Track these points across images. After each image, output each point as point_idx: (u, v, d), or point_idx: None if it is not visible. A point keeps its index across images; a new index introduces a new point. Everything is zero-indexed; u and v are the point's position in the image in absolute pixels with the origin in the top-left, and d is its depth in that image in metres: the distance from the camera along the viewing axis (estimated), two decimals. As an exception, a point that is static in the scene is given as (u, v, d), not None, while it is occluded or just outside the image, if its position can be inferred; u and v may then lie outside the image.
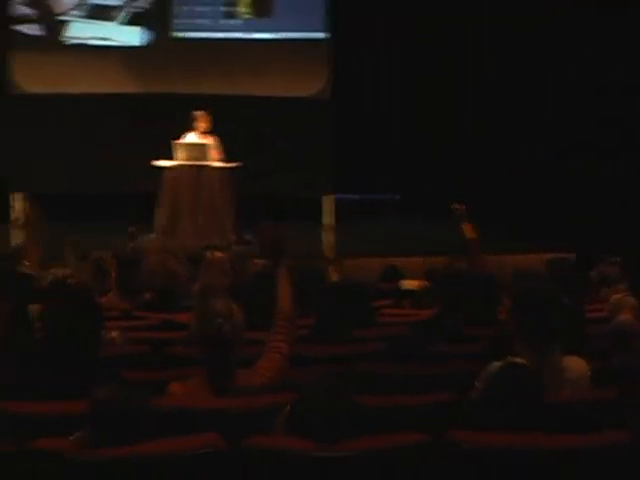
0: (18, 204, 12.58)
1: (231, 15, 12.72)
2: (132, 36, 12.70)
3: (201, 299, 4.54)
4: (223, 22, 12.73)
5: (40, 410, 3.64)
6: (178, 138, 11.16)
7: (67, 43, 12.71)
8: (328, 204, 12.61)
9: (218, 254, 8.02)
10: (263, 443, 3.16)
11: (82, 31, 12.72)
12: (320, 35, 12.63)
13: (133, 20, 12.68)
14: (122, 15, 12.67)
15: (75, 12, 12.71)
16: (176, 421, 3.49)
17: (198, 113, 11.21)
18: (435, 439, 3.20)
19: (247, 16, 12.73)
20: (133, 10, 12.68)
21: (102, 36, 12.70)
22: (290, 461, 3.11)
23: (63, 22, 12.71)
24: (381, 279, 8.55)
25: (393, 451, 3.17)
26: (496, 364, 3.50)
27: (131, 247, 8.93)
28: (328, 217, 12.55)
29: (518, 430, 3.20)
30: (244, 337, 4.04)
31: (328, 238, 12.08)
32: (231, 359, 3.93)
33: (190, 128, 11.25)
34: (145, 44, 12.72)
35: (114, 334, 5.24)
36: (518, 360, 3.55)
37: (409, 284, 8.13)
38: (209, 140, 11.21)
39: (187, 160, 11.04)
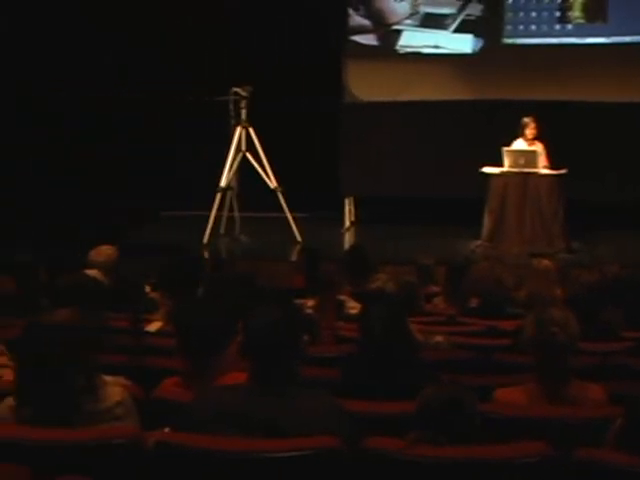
0: (349, 207, 13.04)
1: (565, 20, 12.51)
2: (464, 43, 12.78)
3: (534, 307, 4.50)
4: (556, 27, 12.55)
5: (371, 409, 3.76)
6: (507, 144, 11.15)
7: (400, 52, 12.99)
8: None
9: (545, 262, 7.91)
10: (593, 455, 3.10)
11: (415, 40, 12.95)
12: (658, 38, 12.18)
13: (465, 28, 12.76)
14: (454, 23, 12.78)
15: (408, 21, 12.96)
16: (504, 427, 3.49)
17: (527, 119, 11.15)
18: None
19: (580, 21, 12.47)
20: (465, 18, 12.76)
21: (434, 44, 12.87)
22: (620, 477, 3.03)
23: (397, 31, 13.00)
24: None
25: None
26: None
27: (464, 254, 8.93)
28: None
29: None
30: (578, 347, 3.99)
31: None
32: (565, 368, 3.88)
33: (519, 134, 11.21)
34: (476, 51, 12.77)
35: (439, 338, 5.31)
36: None
37: None
38: (537, 146, 11.13)
39: (515, 167, 11.01)
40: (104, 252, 7.08)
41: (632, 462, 3.02)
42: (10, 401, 3.45)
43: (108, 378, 3.66)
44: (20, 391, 3.43)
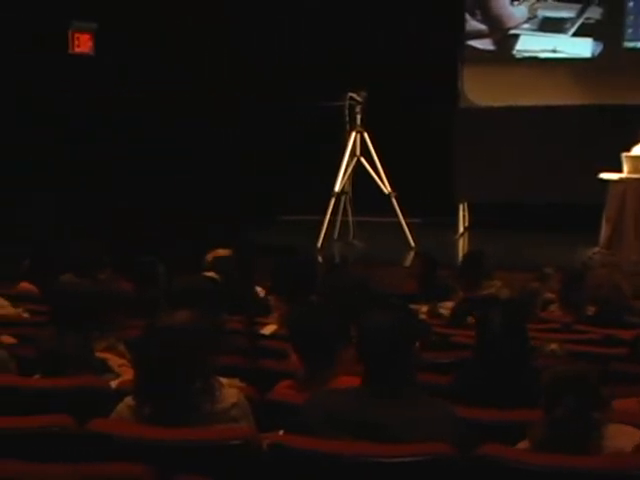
0: (463, 213, 12.98)
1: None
2: (583, 47, 12.61)
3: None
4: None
5: (485, 416, 3.74)
6: (627, 150, 10.95)
7: (518, 57, 12.87)
8: None
9: (667, 271, 7.76)
10: None
11: (532, 44, 12.83)
12: None
13: (584, 31, 12.58)
14: (574, 27, 12.61)
15: (526, 25, 12.84)
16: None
17: (646, 125, 10.96)
18: None
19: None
20: (584, 21, 12.58)
21: (552, 48, 12.73)
22: None
23: (514, 36, 12.89)
24: None
25: None
26: None
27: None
28: None
29: None
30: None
31: None
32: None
33: (638, 140, 11.00)
34: (596, 55, 12.57)
35: (553, 346, 5.24)
36: None
37: None
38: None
39: (635, 173, 10.80)
40: (221, 255, 7.19)
41: None
42: (130, 401, 3.53)
43: (224, 380, 3.71)
44: (139, 391, 3.51)
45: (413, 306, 6.34)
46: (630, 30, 12.45)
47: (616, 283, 6.61)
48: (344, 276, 7.67)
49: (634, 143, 11.02)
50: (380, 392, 3.35)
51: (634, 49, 12.45)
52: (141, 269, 6.85)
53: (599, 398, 3.27)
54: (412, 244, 11.47)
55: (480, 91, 12.87)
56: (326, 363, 3.92)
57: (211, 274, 6.81)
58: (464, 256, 9.03)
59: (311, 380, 3.89)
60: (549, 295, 8.02)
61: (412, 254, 9.20)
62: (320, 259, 10.76)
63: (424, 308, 6.86)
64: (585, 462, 3.14)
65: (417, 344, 3.54)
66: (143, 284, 6.66)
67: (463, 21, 12.92)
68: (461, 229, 12.92)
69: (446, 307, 6.93)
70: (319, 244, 11.60)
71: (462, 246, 12.14)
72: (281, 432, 3.52)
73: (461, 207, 12.95)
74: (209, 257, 7.21)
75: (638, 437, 3.31)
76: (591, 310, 6.79)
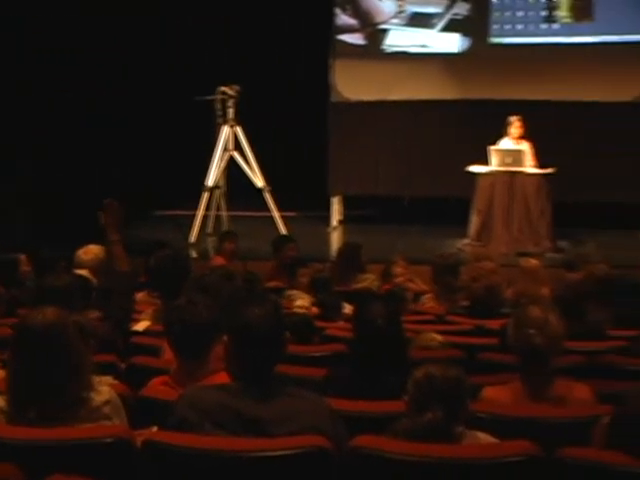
0: (337, 207, 13.04)
1: (551, 19, 12.54)
2: (451, 43, 12.80)
3: (516, 307, 4.51)
4: (543, 27, 12.57)
5: (357, 408, 3.76)
6: (494, 143, 11.17)
7: (387, 51, 12.99)
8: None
9: (533, 261, 7.94)
10: (580, 454, 3.11)
11: (401, 39, 12.96)
12: (641, 38, 12.21)
13: (452, 27, 12.78)
14: (441, 22, 12.80)
15: (395, 20, 12.97)
16: (489, 425, 3.50)
17: (513, 118, 11.19)
18: None
19: (567, 20, 12.50)
20: (452, 17, 12.78)
21: (421, 43, 12.89)
22: (608, 475, 3.04)
23: (383, 31, 13.01)
24: None
25: None
26: None
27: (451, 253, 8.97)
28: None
29: None
30: (562, 347, 4.00)
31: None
32: (548, 368, 3.89)
33: (505, 133, 11.23)
34: (463, 51, 12.78)
35: (437, 337, 5.32)
36: None
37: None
38: (524, 145, 11.15)
39: (502, 166, 11.04)
40: (92, 251, 7.05)
41: (619, 461, 3.03)
42: (0, 401, 3.44)
43: (96, 377, 3.65)
44: (11, 390, 3.42)
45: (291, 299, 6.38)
46: (496, 26, 12.69)
47: (488, 275, 6.74)
48: (217, 271, 7.63)
49: (501, 136, 11.25)
50: (254, 387, 3.33)
51: (500, 44, 12.69)
52: (2, 268, 6.70)
53: (465, 410, 3.32)
54: (286, 238, 11.47)
55: (352, 85, 12.94)
56: (201, 359, 3.89)
57: (83, 271, 6.70)
58: (338, 249, 9.08)
59: (186, 376, 3.86)
60: (423, 287, 8.16)
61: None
62: (193, 254, 10.69)
63: (300, 301, 6.87)
64: (454, 451, 3.20)
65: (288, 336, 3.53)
66: (7, 281, 6.52)
67: (333, 16, 12.96)
68: (334, 223, 12.99)
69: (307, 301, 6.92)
70: (192, 239, 11.52)
71: (336, 240, 12.20)
72: (155, 429, 3.48)
73: (335, 201, 13.02)
74: (80, 254, 7.08)
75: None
76: (464, 301, 6.92)
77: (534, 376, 3.89)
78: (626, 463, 3.01)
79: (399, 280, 8.10)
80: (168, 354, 4.24)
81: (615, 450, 3.06)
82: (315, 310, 6.72)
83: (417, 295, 7.73)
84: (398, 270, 8.23)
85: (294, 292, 7.03)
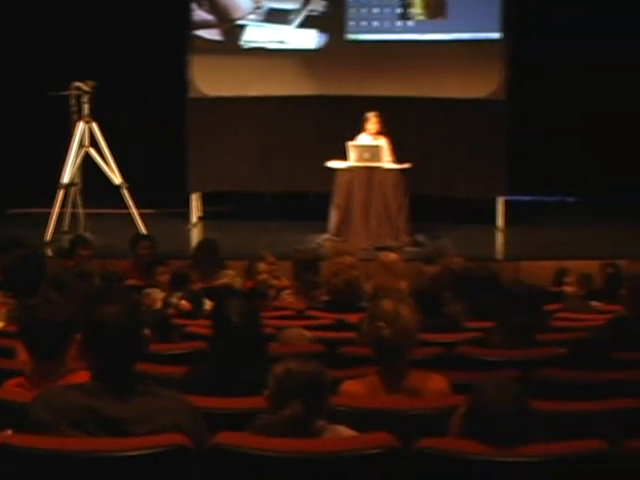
0: (196, 203, 12.96)
1: (406, 17, 12.72)
2: (308, 39, 12.86)
3: (372, 300, 4.57)
4: (398, 24, 12.75)
5: (216, 405, 3.75)
6: (352, 139, 11.28)
7: (245, 47, 12.97)
8: (501, 206, 12.46)
9: (391, 255, 8.05)
10: (436, 445, 3.16)
11: (259, 35, 12.95)
12: (495, 35, 12.48)
13: (309, 23, 12.84)
14: (298, 18, 12.85)
15: (252, 16, 12.95)
16: (349, 419, 3.53)
17: (370, 114, 11.32)
18: (613, 447, 3.13)
19: (421, 17, 12.70)
20: (309, 13, 12.84)
21: (278, 39, 12.91)
22: (463, 464, 3.10)
23: (241, 26, 12.98)
24: (553, 283, 8.40)
25: (568, 458, 3.12)
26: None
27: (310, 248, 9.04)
28: (501, 219, 12.42)
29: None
30: (416, 339, 4.06)
31: (500, 241, 11.97)
32: (402, 360, 3.95)
33: (363, 129, 11.36)
34: (320, 47, 12.86)
35: (308, 334, 5.34)
36: None
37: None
38: (381, 141, 11.29)
39: (360, 161, 11.15)
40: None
41: (474, 450, 3.10)
42: None
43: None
44: None
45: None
46: (352, 22, 12.81)
47: (349, 270, 6.79)
48: (75, 269, 7.51)
49: (359, 132, 11.37)
50: (112, 386, 3.28)
51: (356, 41, 12.82)
52: None
53: (325, 404, 3.35)
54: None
55: (210, 81, 12.86)
56: (56, 359, 3.82)
57: None
58: (196, 246, 9.02)
59: (41, 377, 3.78)
60: (276, 282, 8.19)
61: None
62: (49, 252, 10.47)
63: (159, 297, 6.82)
64: (315, 446, 3.22)
65: (147, 333, 3.49)
66: None
67: (189, 11, 12.86)
68: (194, 219, 12.90)
69: (177, 297, 6.89)
70: (47, 237, 11.28)
71: (196, 236, 12.13)
72: (9, 432, 3.39)
73: (194, 197, 12.93)
74: None
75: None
76: (324, 296, 6.96)
77: (389, 368, 3.94)
78: (481, 452, 3.08)
79: (263, 277, 8.10)
80: (23, 355, 4.14)
81: (470, 439, 3.13)
82: (186, 305, 6.70)
83: (280, 291, 7.75)
84: (262, 266, 8.23)
85: (152, 290, 6.96)
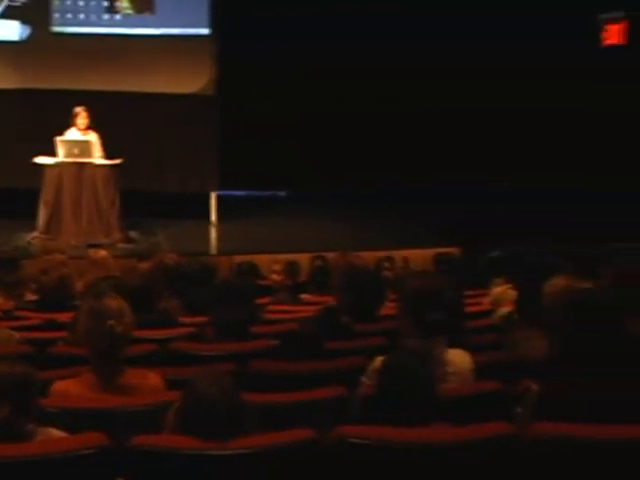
0: None
1: (113, 10, 12.55)
2: (10, 30, 12.41)
3: (89, 298, 4.46)
4: (105, 17, 12.56)
5: None
6: (61, 134, 10.99)
7: (-57, 37, 12.38)
8: (214, 201, 12.57)
9: (102, 252, 7.94)
10: (150, 442, 3.14)
11: (-41, 26, 12.42)
12: (204, 31, 12.55)
13: (11, 14, 12.40)
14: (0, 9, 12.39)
15: (-50, 7, 12.40)
16: (61, 420, 3.44)
17: (78, 109, 11.07)
18: (322, 435, 3.21)
19: (129, 11, 12.57)
20: (10, 4, 12.40)
21: (-21, 31, 12.41)
22: (177, 459, 3.10)
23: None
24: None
25: (280, 448, 3.17)
26: (380, 359, 3.56)
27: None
28: (214, 214, 12.53)
29: (409, 424, 3.23)
30: (134, 336, 4.04)
31: (214, 235, 12.07)
32: (119, 357, 3.91)
33: (71, 124, 11.09)
34: (24, 39, 12.45)
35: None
36: (405, 353, 3.62)
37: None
38: (91, 136, 11.07)
39: (70, 157, 10.88)
40: None
41: (187, 444, 3.10)
42: None
43: None
44: None
45: None
46: (57, 14, 12.50)
47: (59, 267, 6.64)
48: None
49: (68, 127, 11.10)
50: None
51: (63, 34, 12.52)
52: None
53: (35, 406, 3.26)
54: None
55: None
56: None
57: None
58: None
59: None
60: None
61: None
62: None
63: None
64: (25, 450, 3.12)
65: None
66: None
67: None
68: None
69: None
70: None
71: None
72: None
73: None
74: None
75: None
76: (31, 296, 6.76)
77: (105, 367, 3.89)
78: (194, 446, 3.09)
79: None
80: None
81: (184, 434, 3.13)
82: None
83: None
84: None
85: None
